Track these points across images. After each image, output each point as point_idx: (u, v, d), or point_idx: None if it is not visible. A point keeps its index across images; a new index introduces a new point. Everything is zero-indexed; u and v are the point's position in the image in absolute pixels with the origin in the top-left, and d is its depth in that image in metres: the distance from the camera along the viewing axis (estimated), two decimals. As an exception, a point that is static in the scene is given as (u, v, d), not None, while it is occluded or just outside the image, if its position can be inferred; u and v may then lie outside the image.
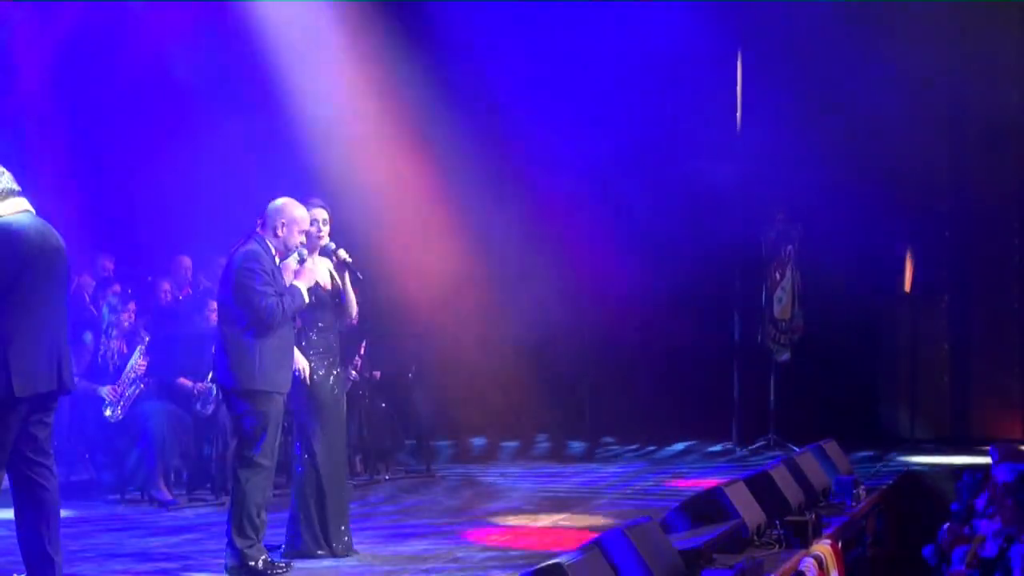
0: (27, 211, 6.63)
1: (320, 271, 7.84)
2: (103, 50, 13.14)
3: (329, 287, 7.92)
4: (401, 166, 14.29)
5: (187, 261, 12.33)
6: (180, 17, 13.70)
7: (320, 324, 7.91)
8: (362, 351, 11.79)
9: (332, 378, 7.97)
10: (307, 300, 7.59)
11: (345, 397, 8.24)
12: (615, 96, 14.84)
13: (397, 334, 12.07)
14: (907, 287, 14.36)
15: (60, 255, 6.66)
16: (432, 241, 14.80)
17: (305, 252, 7.68)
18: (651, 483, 11.83)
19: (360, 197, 13.20)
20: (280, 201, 7.63)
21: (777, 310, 14.00)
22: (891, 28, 14.02)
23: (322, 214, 7.88)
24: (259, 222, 7.60)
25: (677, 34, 13.97)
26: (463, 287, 14.85)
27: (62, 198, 11.06)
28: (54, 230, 6.68)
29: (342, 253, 7.94)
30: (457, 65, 14.57)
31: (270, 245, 7.53)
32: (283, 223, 7.54)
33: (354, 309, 8.05)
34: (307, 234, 7.71)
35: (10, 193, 6.61)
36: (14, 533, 6.59)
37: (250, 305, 7.35)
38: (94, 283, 11.41)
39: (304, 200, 7.81)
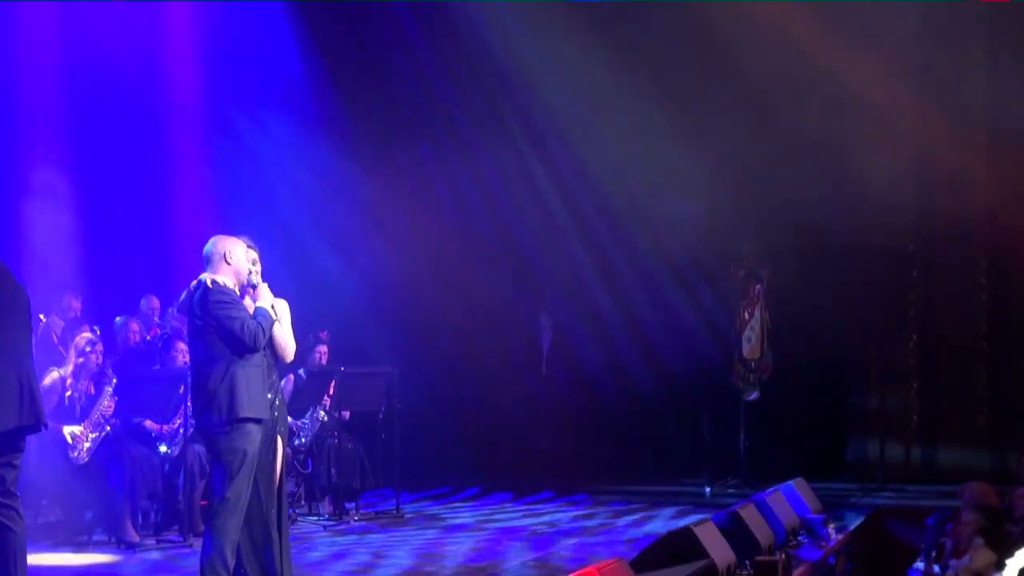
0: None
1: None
2: (74, 86, 13.11)
3: None
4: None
5: (155, 301, 12.27)
6: (150, 53, 13.75)
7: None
8: (331, 391, 11.75)
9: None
10: (275, 317, 7.52)
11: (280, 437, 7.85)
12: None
13: (368, 373, 12.02)
14: None
15: (21, 295, 6.60)
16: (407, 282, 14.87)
17: (256, 278, 7.59)
18: (621, 523, 11.81)
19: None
20: (213, 239, 7.58)
21: (746, 349, 14.04)
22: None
23: (252, 254, 7.77)
24: (206, 265, 7.52)
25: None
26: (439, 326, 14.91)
27: (29, 239, 11.01)
28: (10, 271, 6.63)
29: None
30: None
31: (225, 279, 7.46)
32: (228, 252, 7.48)
33: (282, 349, 7.73)
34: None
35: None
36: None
37: (232, 333, 7.25)
38: (63, 323, 11.34)
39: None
